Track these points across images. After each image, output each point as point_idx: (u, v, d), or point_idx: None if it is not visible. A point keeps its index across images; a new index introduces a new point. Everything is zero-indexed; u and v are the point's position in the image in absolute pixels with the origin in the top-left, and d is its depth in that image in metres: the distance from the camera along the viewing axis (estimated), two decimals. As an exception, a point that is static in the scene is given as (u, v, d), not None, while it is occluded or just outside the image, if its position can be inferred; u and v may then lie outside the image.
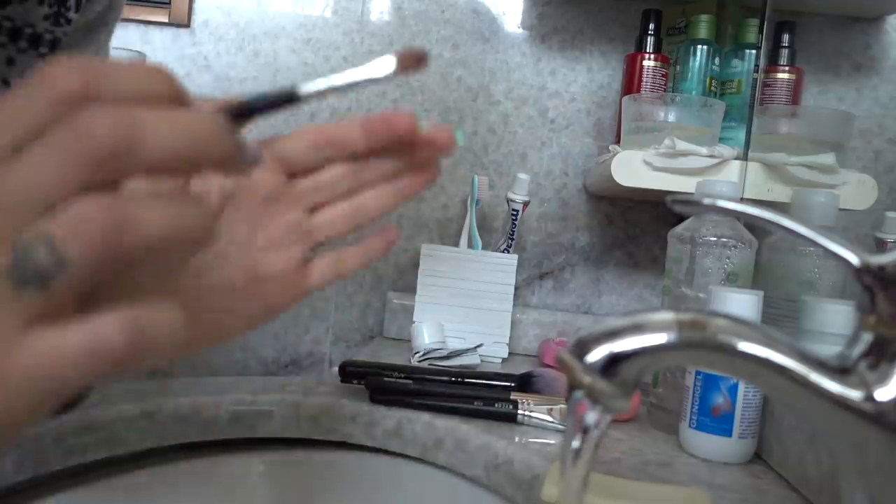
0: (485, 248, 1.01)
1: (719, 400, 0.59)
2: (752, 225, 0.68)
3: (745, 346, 0.29)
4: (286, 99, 0.28)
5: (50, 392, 0.22)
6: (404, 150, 0.37)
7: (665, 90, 0.95)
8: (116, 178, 0.22)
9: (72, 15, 0.56)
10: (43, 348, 0.21)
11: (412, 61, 0.29)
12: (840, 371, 0.30)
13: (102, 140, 0.21)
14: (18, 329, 0.21)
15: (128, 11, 1.07)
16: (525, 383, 0.70)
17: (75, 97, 0.22)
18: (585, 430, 0.30)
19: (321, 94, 0.28)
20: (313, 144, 0.37)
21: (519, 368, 0.74)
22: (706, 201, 0.33)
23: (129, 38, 1.08)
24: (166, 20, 1.09)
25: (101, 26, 0.61)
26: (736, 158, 0.83)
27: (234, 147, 0.25)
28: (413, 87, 1.10)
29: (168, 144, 0.22)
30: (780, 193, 0.79)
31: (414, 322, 0.97)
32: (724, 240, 0.66)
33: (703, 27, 0.93)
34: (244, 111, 0.27)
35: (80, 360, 0.21)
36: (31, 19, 0.54)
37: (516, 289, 0.99)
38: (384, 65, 0.28)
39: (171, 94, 0.24)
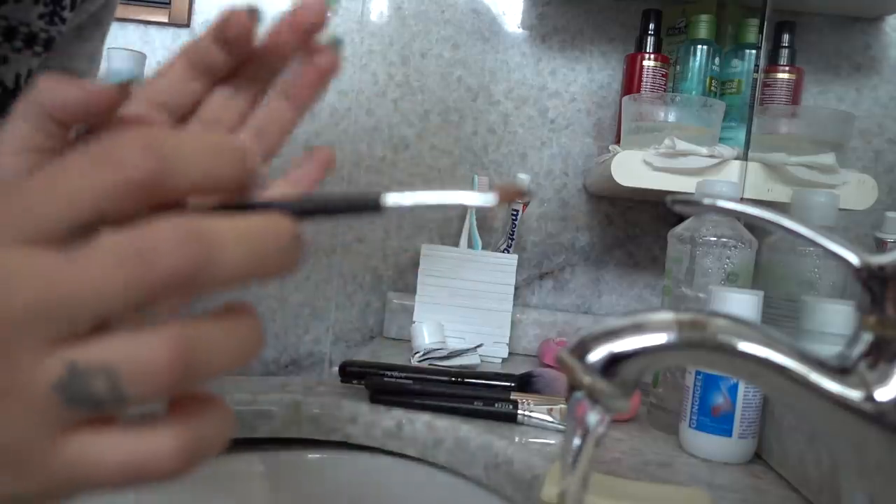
0: (485, 248, 1.01)
1: (719, 400, 0.59)
2: (752, 225, 0.68)
3: (745, 346, 0.29)
4: (367, 207, 0.25)
5: (78, 494, 0.21)
6: (278, 48, 0.32)
7: (665, 90, 0.95)
8: (180, 297, 0.21)
9: (66, 14, 0.56)
10: (80, 456, 0.20)
11: (512, 195, 0.26)
12: (840, 371, 0.30)
13: (172, 266, 0.20)
14: (58, 434, 0.20)
15: (128, 11, 1.07)
16: (525, 383, 0.70)
17: (145, 186, 0.20)
18: (585, 431, 0.30)
19: (406, 209, 0.26)
20: (183, 77, 0.32)
21: (519, 368, 0.74)
22: (706, 201, 0.33)
23: (129, 38, 1.08)
24: (166, 20, 1.09)
25: (94, 26, 0.61)
26: (736, 158, 0.83)
27: (298, 259, 0.23)
28: (413, 87, 1.10)
29: (237, 266, 0.21)
30: (780, 193, 0.79)
31: (414, 322, 0.96)
32: (724, 240, 0.66)
33: (703, 27, 0.93)
34: (318, 210, 0.25)
35: (119, 475, 0.20)
36: (26, 18, 0.53)
37: (516, 289, 0.99)
38: (484, 197, 0.26)
39: (241, 178, 0.23)
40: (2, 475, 0.20)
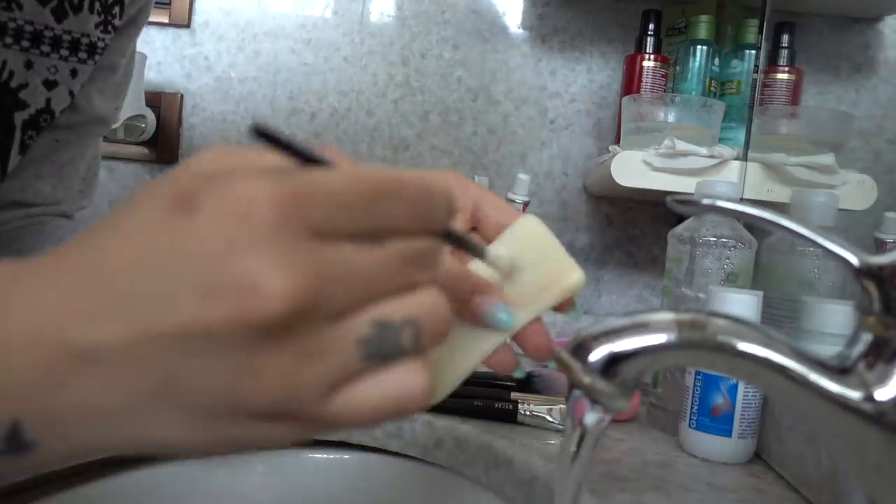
0: (485, 248, 1.01)
1: (719, 400, 0.59)
2: (752, 225, 0.68)
3: (745, 346, 0.29)
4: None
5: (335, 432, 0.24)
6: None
7: (665, 90, 0.95)
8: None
9: (117, 22, 0.57)
10: (344, 407, 0.22)
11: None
12: (840, 371, 0.30)
13: (432, 274, 0.24)
14: (334, 388, 0.22)
15: (128, 12, 1.07)
16: (525, 383, 0.70)
17: (420, 222, 0.24)
18: (585, 430, 0.30)
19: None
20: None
21: (519, 368, 0.74)
22: (706, 201, 0.33)
23: (129, 39, 1.09)
24: (166, 20, 1.09)
25: (131, 28, 0.62)
26: (736, 159, 0.83)
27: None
28: (413, 88, 1.10)
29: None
30: (780, 194, 0.79)
31: (414, 322, 0.96)
32: (724, 240, 0.66)
33: (703, 27, 0.93)
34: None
35: (376, 416, 0.23)
36: (86, 29, 0.55)
37: (516, 289, 0.99)
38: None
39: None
40: (275, 426, 0.22)
